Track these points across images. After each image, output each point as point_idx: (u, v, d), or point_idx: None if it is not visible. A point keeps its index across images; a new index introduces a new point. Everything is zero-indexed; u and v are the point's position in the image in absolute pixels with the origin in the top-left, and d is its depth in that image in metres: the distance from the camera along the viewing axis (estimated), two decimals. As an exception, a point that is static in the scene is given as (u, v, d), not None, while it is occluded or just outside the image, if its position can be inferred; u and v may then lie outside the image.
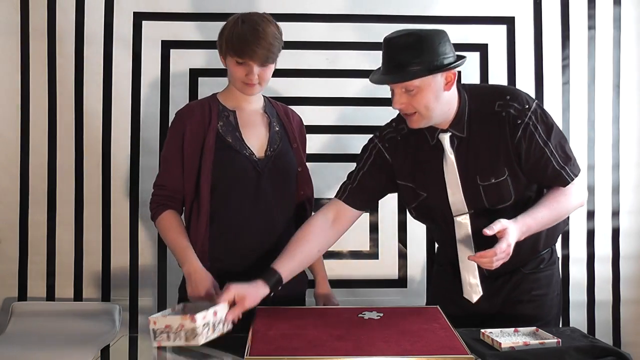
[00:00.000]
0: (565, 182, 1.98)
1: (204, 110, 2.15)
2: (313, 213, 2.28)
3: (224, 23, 2.79)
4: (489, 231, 1.81)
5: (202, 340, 1.74)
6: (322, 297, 2.31)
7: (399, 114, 2.07)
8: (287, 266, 1.99)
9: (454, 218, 2.02)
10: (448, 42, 1.92)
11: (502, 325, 1.88)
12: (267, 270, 1.97)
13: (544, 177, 1.98)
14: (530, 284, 2.09)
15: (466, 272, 2.04)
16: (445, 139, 1.99)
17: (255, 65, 2.05)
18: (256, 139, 2.15)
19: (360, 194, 2.13)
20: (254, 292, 1.90)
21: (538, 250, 2.09)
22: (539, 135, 1.95)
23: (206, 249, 2.10)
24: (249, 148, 2.12)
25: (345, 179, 2.18)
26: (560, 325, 2.21)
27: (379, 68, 1.99)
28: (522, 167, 1.97)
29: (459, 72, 2.09)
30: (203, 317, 1.74)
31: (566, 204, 1.99)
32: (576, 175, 2.00)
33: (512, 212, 1.95)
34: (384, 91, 2.85)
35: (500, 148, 1.97)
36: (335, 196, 2.17)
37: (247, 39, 2.02)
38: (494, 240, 1.85)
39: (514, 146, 1.95)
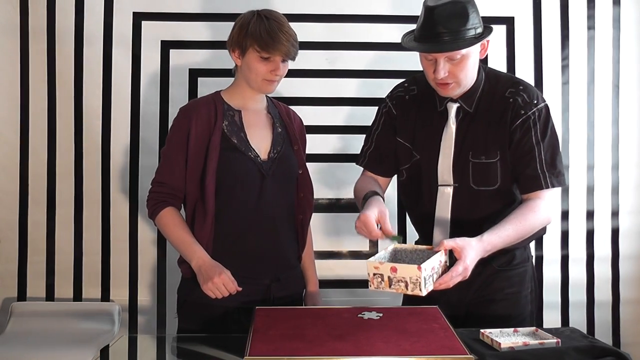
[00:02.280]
0: (539, 187, 1.99)
1: (209, 109, 2.12)
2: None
3: (223, 23, 2.82)
4: (437, 247, 1.81)
5: (425, 292, 1.71)
6: (311, 296, 2.30)
7: (413, 77, 2.16)
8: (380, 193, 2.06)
9: (439, 187, 2.06)
10: (478, 9, 1.98)
11: (476, 324, 1.88)
12: (369, 194, 1.99)
13: (522, 174, 2.01)
14: (502, 282, 2.09)
15: (438, 241, 2.04)
16: (453, 108, 2.05)
17: (280, 60, 2.06)
18: (260, 140, 2.14)
19: (378, 157, 2.19)
20: (384, 209, 1.92)
21: (507, 249, 2.05)
22: (534, 132, 1.99)
23: (210, 250, 2.08)
24: (254, 150, 2.11)
25: (363, 143, 2.25)
26: (560, 326, 2.21)
27: (409, 35, 2.04)
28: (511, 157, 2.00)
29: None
30: (431, 268, 1.73)
31: (533, 220, 1.97)
32: (554, 186, 2.00)
33: (493, 200, 1.99)
34: (383, 91, 2.87)
35: (498, 131, 2.02)
36: (357, 162, 2.24)
37: (276, 33, 2.03)
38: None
39: (510, 133, 2.00)
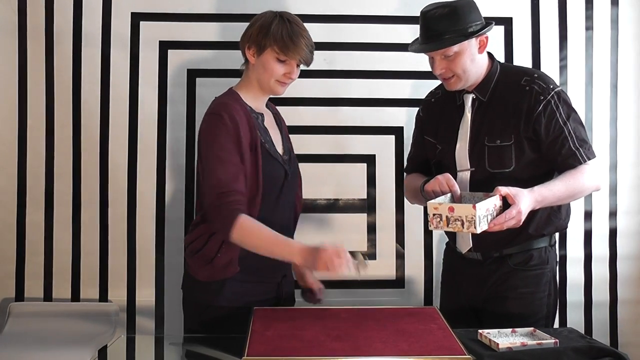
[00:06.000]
0: (579, 162, 2.09)
1: (246, 112, 2.08)
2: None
3: (221, 24, 2.83)
4: (493, 192, 1.92)
5: (479, 229, 1.84)
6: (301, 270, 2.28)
7: (441, 83, 2.26)
8: None
9: (457, 173, 2.17)
10: (477, 9, 2.14)
11: (488, 321, 1.91)
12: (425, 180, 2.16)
13: (560, 154, 2.10)
14: (517, 280, 2.16)
15: None
16: (469, 99, 2.20)
17: (295, 64, 2.08)
18: (277, 141, 2.16)
19: (415, 163, 2.40)
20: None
21: (528, 233, 2.13)
22: (559, 114, 2.09)
23: (237, 255, 2.05)
24: (279, 153, 2.13)
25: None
26: (558, 326, 2.22)
27: (417, 38, 2.19)
28: (539, 142, 2.09)
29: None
30: (486, 209, 1.86)
31: (582, 181, 2.08)
32: (590, 159, 2.10)
33: (509, 182, 2.03)
34: (381, 92, 2.88)
35: (513, 115, 2.11)
36: (404, 169, 2.49)
37: (298, 38, 2.05)
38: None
39: (532, 119, 2.10)
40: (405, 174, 2.48)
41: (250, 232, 1.96)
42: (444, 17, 2.07)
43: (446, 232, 2.36)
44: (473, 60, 2.13)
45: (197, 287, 2.14)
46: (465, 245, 2.22)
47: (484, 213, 1.86)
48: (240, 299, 2.07)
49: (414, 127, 2.44)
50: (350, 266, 1.85)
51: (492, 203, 1.90)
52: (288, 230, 2.17)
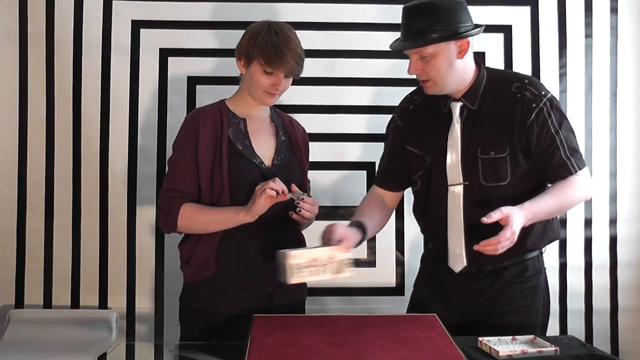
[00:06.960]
0: (569, 172, 2.02)
1: (215, 116, 2.12)
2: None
3: (221, 31, 2.84)
4: (486, 219, 1.84)
5: (293, 280, 1.82)
6: None
7: (416, 88, 2.17)
8: (370, 224, 2.11)
9: (448, 187, 2.07)
10: (465, 10, 2.00)
11: (485, 335, 1.87)
12: (355, 222, 2.07)
13: (550, 164, 2.03)
14: (513, 294, 2.08)
15: (453, 243, 2.09)
16: (457, 107, 2.07)
17: (283, 76, 2.06)
18: (264, 147, 2.14)
19: (390, 174, 2.24)
20: (353, 234, 2.02)
21: (525, 247, 2.06)
22: (551, 122, 2.01)
23: (213, 255, 2.07)
24: (259, 156, 2.11)
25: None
26: (558, 334, 2.21)
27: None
28: (530, 151, 2.02)
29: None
30: (313, 259, 1.85)
31: (571, 194, 2.02)
32: (580, 169, 2.04)
33: (504, 196, 1.99)
34: (381, 99, 2.89)
35: (506, 125, 2.02)
36: (373, 182, 2.31)
37: (282, 50, 2.02)
38: (481, 214, 1.88)
39: (524, 128, 2.01)
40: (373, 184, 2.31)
41: (193, 214, 2.05)
42: (422, 14, 1.96)
43: (432, 249, 2.22)
44: (450, 65, 1.99)
45: (184, 288, 2.17)
46: (459, 264, 2.09)
47: (303, 261, 1.85)
48: (218, 304, 2.06)
49: (387, 136, 2.29)
50: (276, 193, 1.95)
51: (322, 253, 1.89)
52: (282, 238, 2.12)
